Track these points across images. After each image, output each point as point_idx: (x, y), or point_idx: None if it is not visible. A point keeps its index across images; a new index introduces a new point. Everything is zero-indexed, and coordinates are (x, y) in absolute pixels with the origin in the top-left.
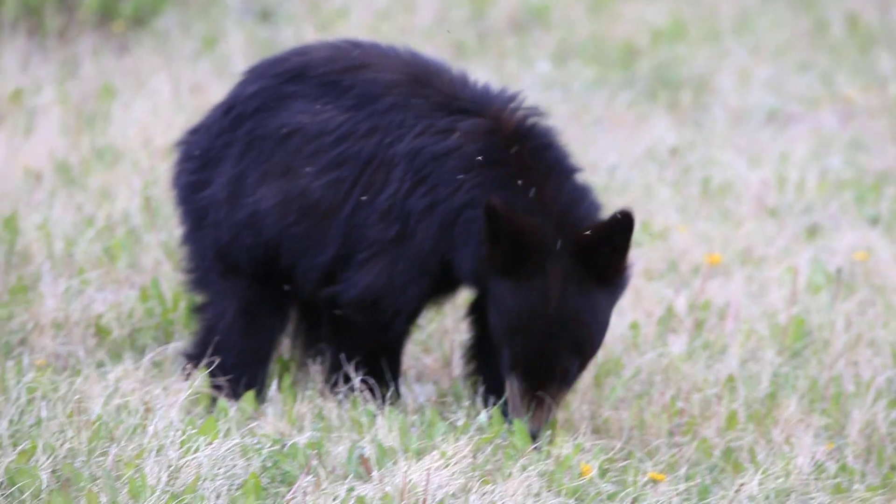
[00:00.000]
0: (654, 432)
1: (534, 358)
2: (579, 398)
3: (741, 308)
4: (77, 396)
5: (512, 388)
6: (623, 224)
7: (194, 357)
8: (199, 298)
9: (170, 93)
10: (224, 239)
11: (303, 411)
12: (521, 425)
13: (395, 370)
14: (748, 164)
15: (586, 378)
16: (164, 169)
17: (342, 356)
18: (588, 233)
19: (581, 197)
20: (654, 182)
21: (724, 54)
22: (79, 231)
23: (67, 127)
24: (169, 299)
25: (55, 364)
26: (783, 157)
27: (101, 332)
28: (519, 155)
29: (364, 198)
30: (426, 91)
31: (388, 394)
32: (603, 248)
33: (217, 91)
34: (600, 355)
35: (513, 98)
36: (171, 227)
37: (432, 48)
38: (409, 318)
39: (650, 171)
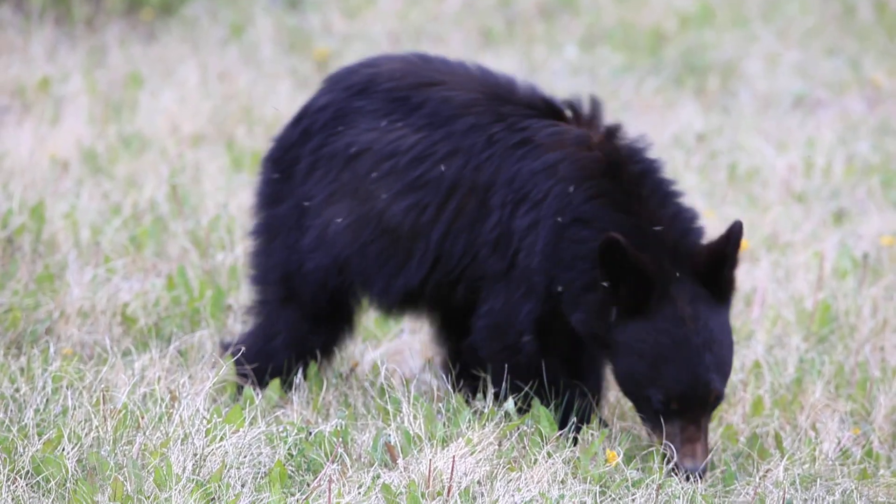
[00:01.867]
0: None
1: (689, 389)
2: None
3: (767, 294)
4: (103, 385)
5: (670, 431)
6: (735, 238)
7: (232, 353)
8: (255, 299)
9: (197, 80)
10: (291, 265)
11: (328, 399)
12: (546, 412)
13: (568, 387)
14: (775, 149)
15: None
16: (190, 157)
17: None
18: (705, 253)
19: (690, 219)
20: (682, 167)
21: (752, 39)
22: (105, 219)
23: (94, 115)
24: (195, 288)
25: (81, 353)
26: (810, 142)
27: (127, 321)
28: (623, 175)
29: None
30: (505, 109)
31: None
32: (719, 266)
33: (245, 78)
34: None
35: (594, 113)
36: (198, 216)
37: (460, 34)
38: (537, 336)
39: (677, 156)
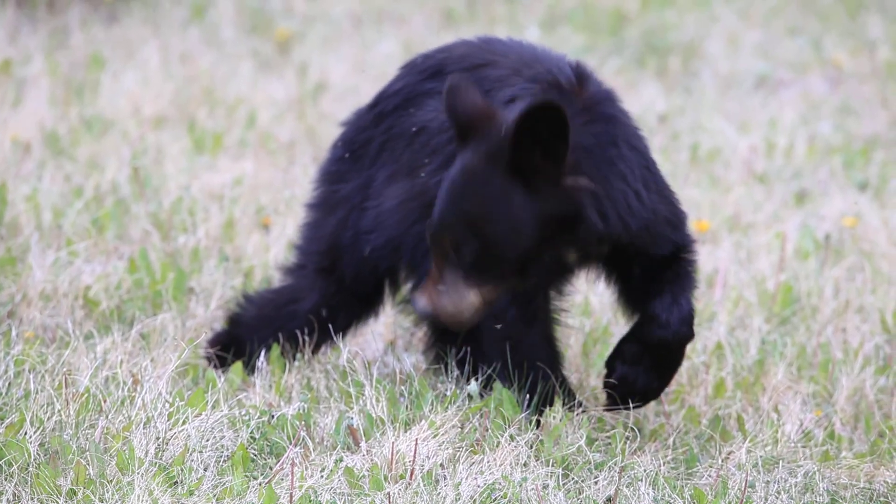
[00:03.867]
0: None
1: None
2: (567, 367)
3: (729, 275)
4: (65, 369)
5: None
6: (547, 115)
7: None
8: (292, 262)
9: (159, 62)
10: (344, 241)
11: (291, 382)
12: (508, 394)
13: (551, 362)
14: (737, 130)
15: (574, 346)
16: (152, 139)
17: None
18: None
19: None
20: None
21: (714, 20)
22: (67, 202)
23: (56, 97)
24: (157, 270)
25: (43, 336)
26: (772, 122)
27: (89, 304)
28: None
29: None
30: (517, 79)
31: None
32: (526, 140)
33: (207, 60)
34: (587, 324)
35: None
36: (159, 198)
37: (422, 15)
38: (516, 305)
39: None
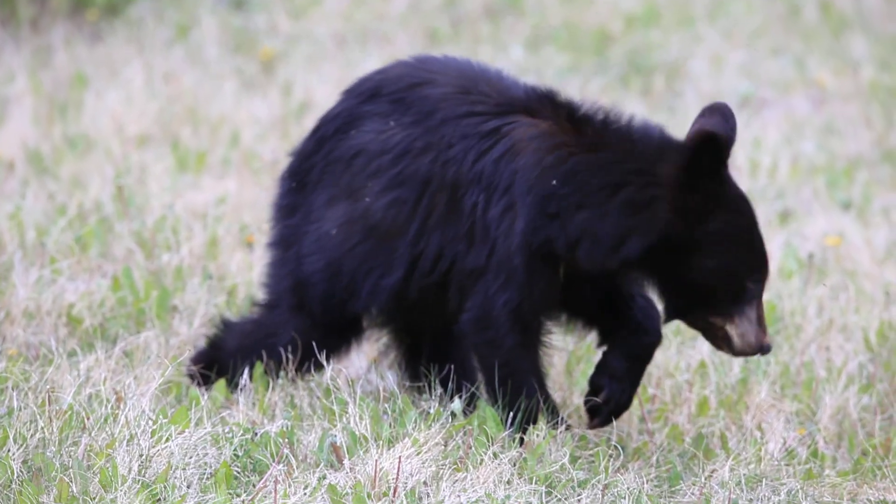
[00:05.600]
0: (626, 419)
1: (767, 263)
2: (551, 385)
3: None
4: (48, 386)
5: (751, 315)
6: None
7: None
8: (265, 299)
9: (142, 81)
10: (301, 273)
11: (274, 400)
12: (492, 412)
13: (541, 385)
14: None
15: (557, 364)
16: (136, 158)
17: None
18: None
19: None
20: None
21: (698, 40)
22: (50, 220)
23: (40, 116)
24: (141, 289)
25: (26, 354)
26: (756, 142)
27: (72, 322)
28: (588, 131)
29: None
30: (471, 99)
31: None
32: None
33: (190, 79)
34: (570, 342)
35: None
36: (143, 216)
37: (406, 35)
38: (516, 330)
39: None
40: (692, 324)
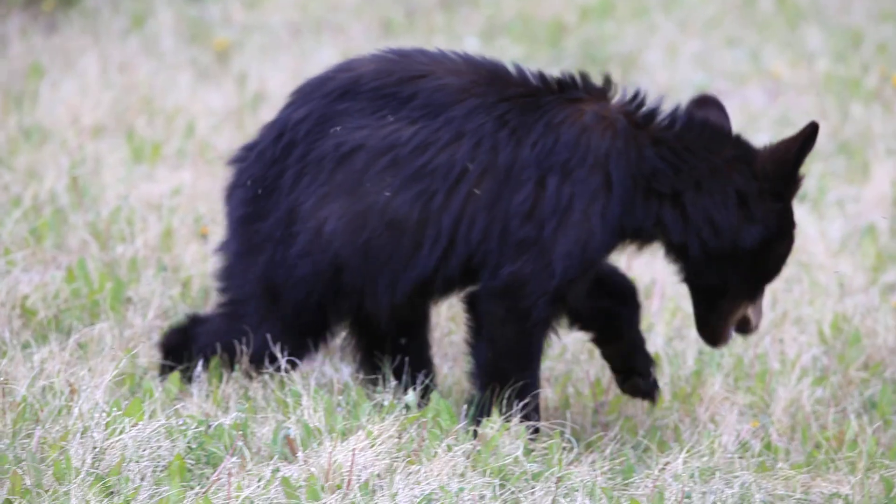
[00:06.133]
0: (580, 411)
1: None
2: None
3: (667, 286)
4: (2, 378)
5: (759, 301)
6: (808, 139)
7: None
8: (228, 309)
9: (98, 71)
10: (278, 277)
11: (228, 392)
12: (445, 404)
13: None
14: None
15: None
16: (91, 148)
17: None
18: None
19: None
20: None
21: (653, 30)
22: (5, 211)
23: None
24: (95, 280)
25: None
26: None
27: (26, 313)
28: (652, 127)
29: (477, 191)
30: (510, 90)
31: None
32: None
33: (146, 69)
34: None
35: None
36: (98, 208)
37: (360, 26)
38: (551, 304)
39: None
40: (717, 309)
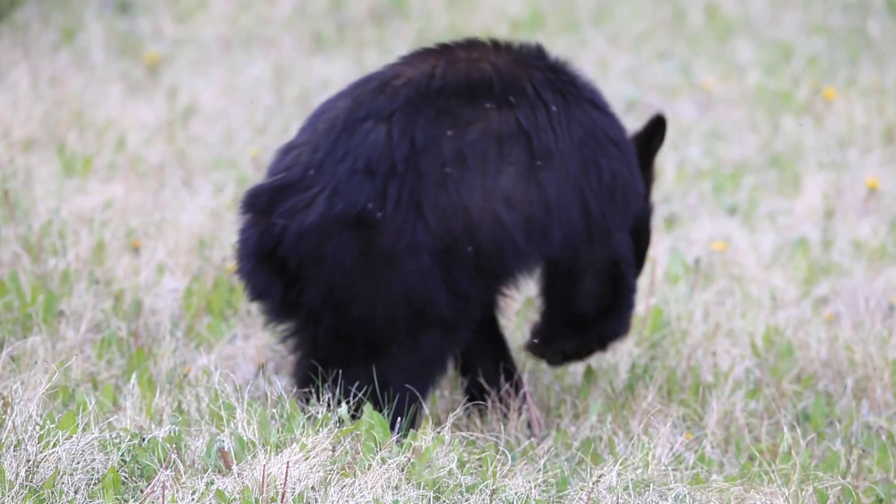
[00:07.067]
0: (514, 424)
1: None
2: (440, 390)
3: None
4: None
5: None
6: (659, 131)
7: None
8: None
9: (28, 85)
10: (416, 285)
11: (161, 405)
12: (379, 417)
13: None
14: None
15: (451, 371)
16: (22, 162)
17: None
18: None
19: None
20: None
21: (583, 44)
22: None
23: None
24: (27, 293)
25: None
26: None
27: None
28: None
29: (539, 163)
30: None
31: None
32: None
33: (76, 83)
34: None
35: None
36: (29, 221)
37: (291, 39)
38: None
39: None
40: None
